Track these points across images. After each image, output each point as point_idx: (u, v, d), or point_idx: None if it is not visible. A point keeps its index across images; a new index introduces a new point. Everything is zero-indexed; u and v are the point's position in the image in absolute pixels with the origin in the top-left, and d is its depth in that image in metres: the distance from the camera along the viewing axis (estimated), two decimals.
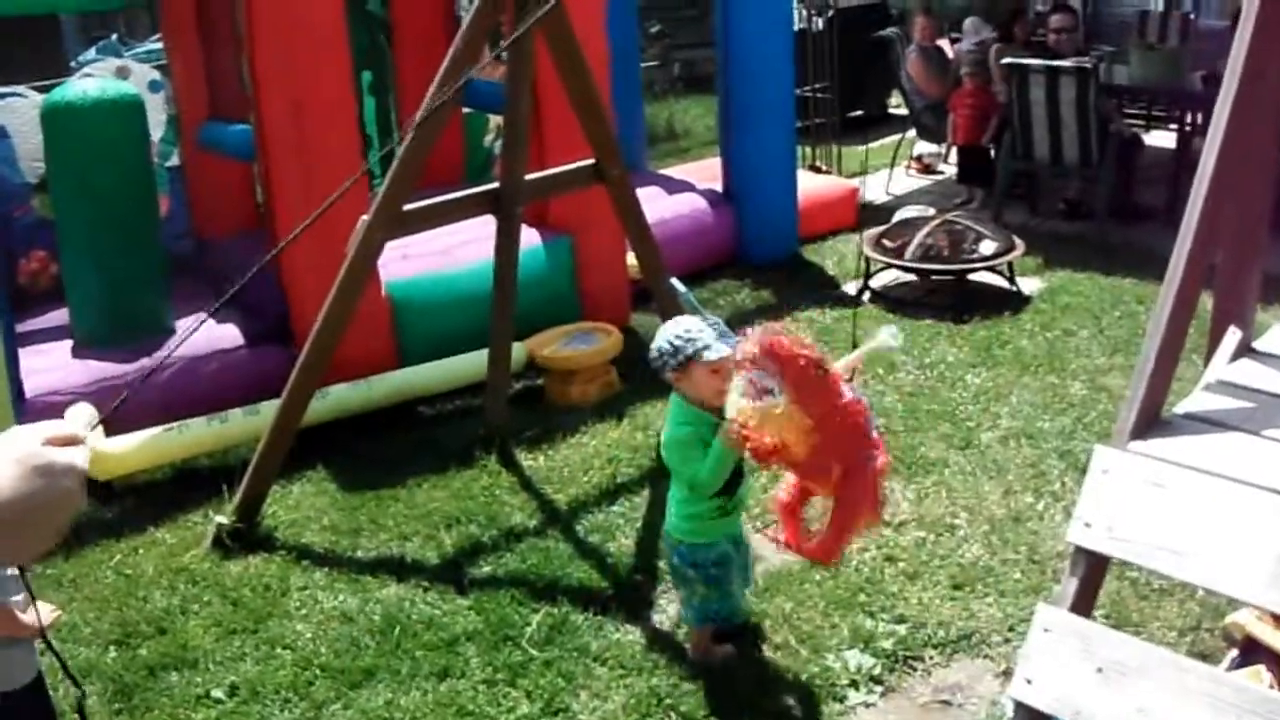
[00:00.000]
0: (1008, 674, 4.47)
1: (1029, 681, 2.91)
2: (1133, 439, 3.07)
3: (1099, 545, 2.94)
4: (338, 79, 6.04)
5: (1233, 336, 3.59)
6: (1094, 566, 2.99)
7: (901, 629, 4.70)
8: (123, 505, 5.80)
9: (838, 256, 8.73)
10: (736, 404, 3.76)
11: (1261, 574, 2.72)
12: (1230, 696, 2.70)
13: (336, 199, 4.63)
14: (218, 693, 4.45)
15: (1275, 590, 2.70)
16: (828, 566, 4.78)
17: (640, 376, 6.66)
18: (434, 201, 5.20)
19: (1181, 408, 3.29)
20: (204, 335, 6.36)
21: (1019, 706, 2.94)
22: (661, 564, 5.09)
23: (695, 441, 4.16)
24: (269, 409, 5.81)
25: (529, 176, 5.52)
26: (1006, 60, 9.08)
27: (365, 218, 5.01)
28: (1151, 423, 3.13)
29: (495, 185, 5.56)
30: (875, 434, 3.83)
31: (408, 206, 5.04)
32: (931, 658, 4.57)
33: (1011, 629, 4.70)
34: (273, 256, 2.38)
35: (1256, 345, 3.66)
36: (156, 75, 7.72)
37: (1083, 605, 2.97)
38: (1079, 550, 2.97)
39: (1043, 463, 5.84)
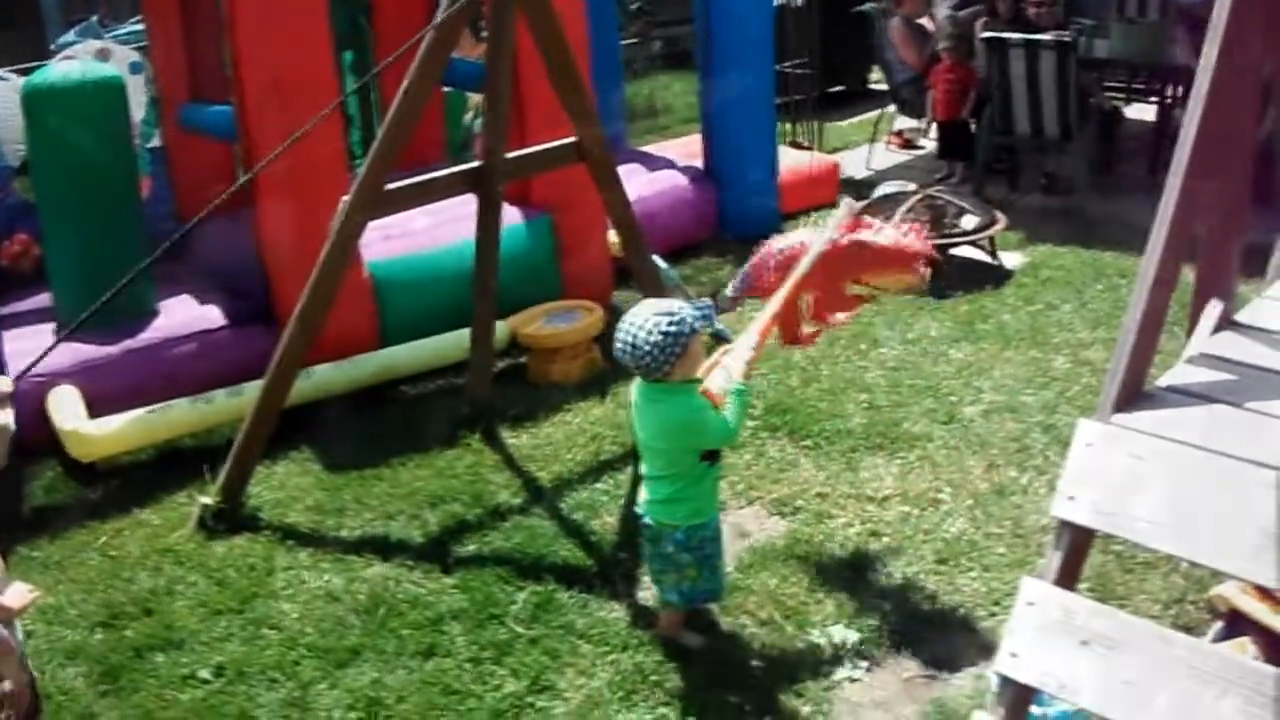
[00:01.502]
0: (993, 648, 4.49)
1: (1014, 655, 2.92)
2: (1116, 412, 3.07)
3: (1083, 519, 2.95)
4: (319, 59, 6.01)
5: (1214, 309, 3.59)
6: (1078, 540, 3.00)
7: (886, 604, 4.72)
8: (107, 487, 5.80)
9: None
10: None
11: (1246, 547, 2.72)
12: (1216, 668, 2.70)
13: (309, 129, 4.68)
14: (204, 673, 4.46)
15: (1259, 563, 2.71)
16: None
17: None
18: (415, 180, 5.18)
19: (1164, 380, 3.30)
20: (188, 317, 6.34)
21: (1004, 680, 2.94)
22: None
23: (706, 406, 4.18)
24: (253, 390, 5.78)
25: (510, 154, 5.49)
26: (986, 35, 9.06)
27: (346, 198, 4.98)
28: (1134, 396, 3.13)
29: (476, 164, 5.55)
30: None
31: (389, 186, 5.02)
32: (916, 631, 4.59)
33: (996, 603, 4.72)
34: (240, 186, 2.38)
35: (1238, 318, 3.66)
36: (137, 57, 7.66)
37: (1067, 579, 2.97)
38: (1063, 524, 2.98)
39: (1026, 437, 5.85)
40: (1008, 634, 2.95)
